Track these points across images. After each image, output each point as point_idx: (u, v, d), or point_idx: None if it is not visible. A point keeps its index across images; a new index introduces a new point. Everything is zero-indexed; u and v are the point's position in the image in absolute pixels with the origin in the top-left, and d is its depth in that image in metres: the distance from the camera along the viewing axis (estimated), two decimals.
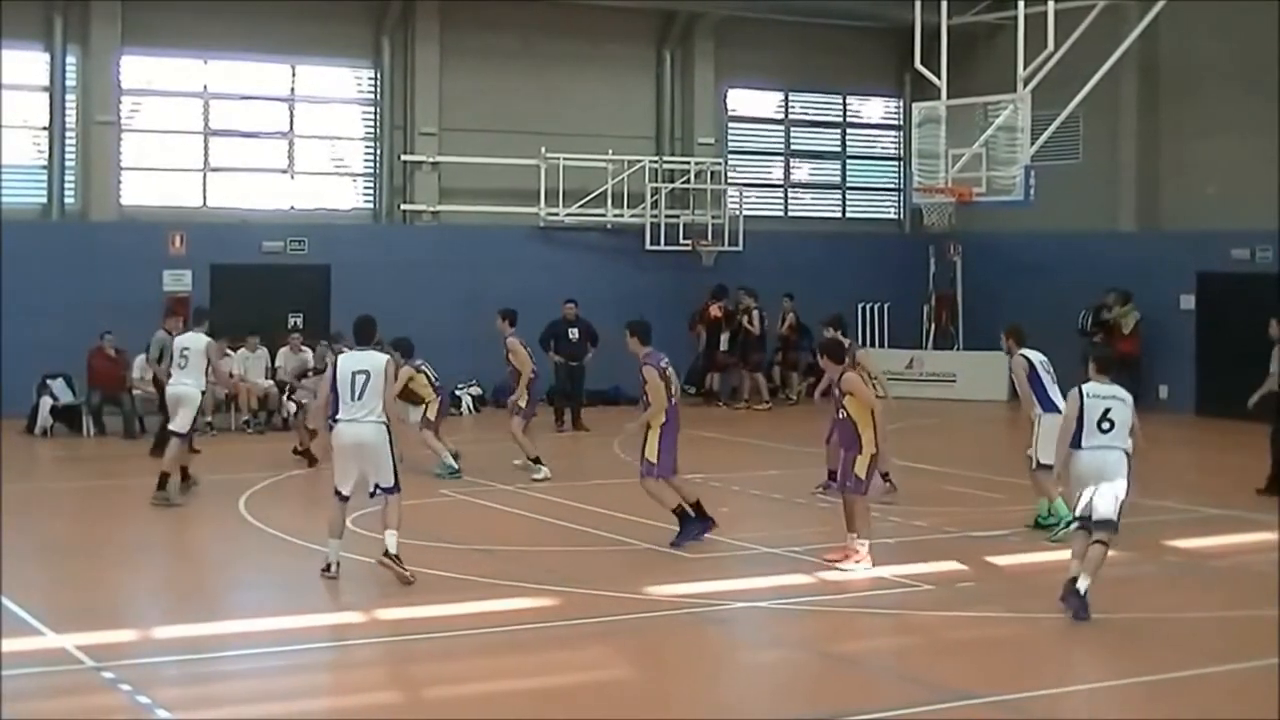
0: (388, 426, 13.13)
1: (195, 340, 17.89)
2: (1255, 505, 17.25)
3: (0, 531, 14.47)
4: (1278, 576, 13.59)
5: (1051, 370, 15.77)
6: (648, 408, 14.68)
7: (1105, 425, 12.26)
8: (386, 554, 12.99)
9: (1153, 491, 18.19)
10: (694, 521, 14.71)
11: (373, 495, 13.23)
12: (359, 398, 13.05)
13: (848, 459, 13.91)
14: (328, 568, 13.20)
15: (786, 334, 28.43)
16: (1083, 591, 12.01)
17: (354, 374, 13.13)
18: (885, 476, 16.25)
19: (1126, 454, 12.31)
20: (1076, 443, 12.29)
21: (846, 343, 16.64)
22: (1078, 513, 12.50)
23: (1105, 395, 12.39)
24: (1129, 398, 12.49)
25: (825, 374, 15.27)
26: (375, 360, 13.23)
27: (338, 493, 13.26)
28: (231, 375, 23.83)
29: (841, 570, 13.67)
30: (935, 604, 12.84)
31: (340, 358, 13.57)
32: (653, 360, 14.82)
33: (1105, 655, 11.33)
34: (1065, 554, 14.61)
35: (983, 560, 14.50)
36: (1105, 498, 12.27)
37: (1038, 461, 15.30)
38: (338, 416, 13.24)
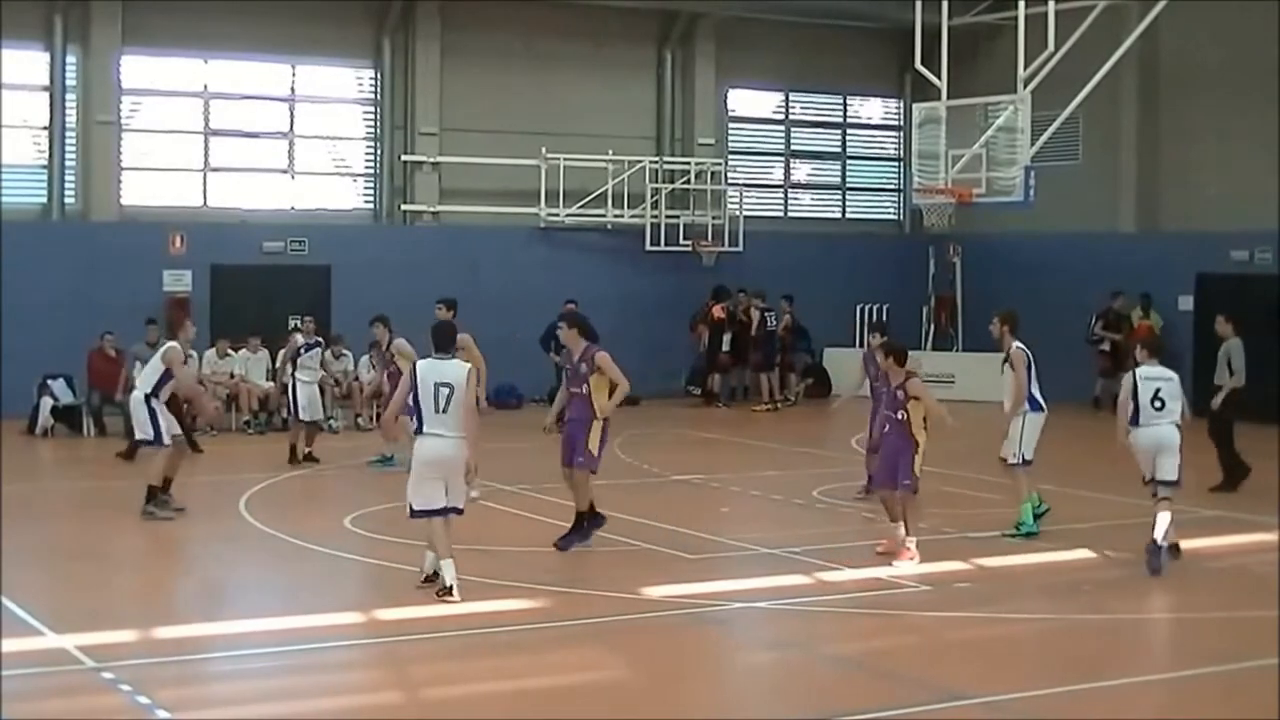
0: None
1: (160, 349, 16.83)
2: (1253, 507, 17.24)
3: (0, 532, 14.48)
4: (1277, 577, 13.61)
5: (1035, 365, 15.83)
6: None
7: (1157, 404, 14.14)
8: (448, 590, 12.37)
9: (1150, 492, 18.25)
10: (586, 528, 14.68)
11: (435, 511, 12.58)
12: (443, 411, 12.41)
13: (905, 460, 14.28)
14: (435, 580, 12.63)
15: (783, 335, 28.44)
16: (1161, 544, 13.75)
17: (437, 385, 12.44)
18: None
19: (1178, 426, 14.28)
20: (1135, 420, 14.12)
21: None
22: (1145, 478, 14.32)
23: (1155, 377, 14.24)
24: (1175, 377, 14.36)
25: (866, 374, 16.52)
26: (458, 371, 12.56)
27: (428, 511, 12.55)
28: (232, 376, 23.90)
29: (893, 567, 13.92)
30: (933, 604, 12.85)
31: (420, 365, 12.71)
32: (601, 347, 14.77)
33: (1104, 655, 11.34)
34: (1061, 555, 14.71)
35: (981, 561, 14.51)
36: (1166, 465, 14.17)
37: (1024, 458, 15.56)
38: (423, 429, 12.47)
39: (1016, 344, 15.88)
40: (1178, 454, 14.22)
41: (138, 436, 16.73)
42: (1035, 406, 15.70)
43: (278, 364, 23.85)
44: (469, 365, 12.79)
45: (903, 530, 14.30)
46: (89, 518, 17.15)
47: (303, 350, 20.88)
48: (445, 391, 12.43)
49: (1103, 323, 26.53)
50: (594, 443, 14.48)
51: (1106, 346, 26.29)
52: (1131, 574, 14.31)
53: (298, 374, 20.67)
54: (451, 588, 12.41)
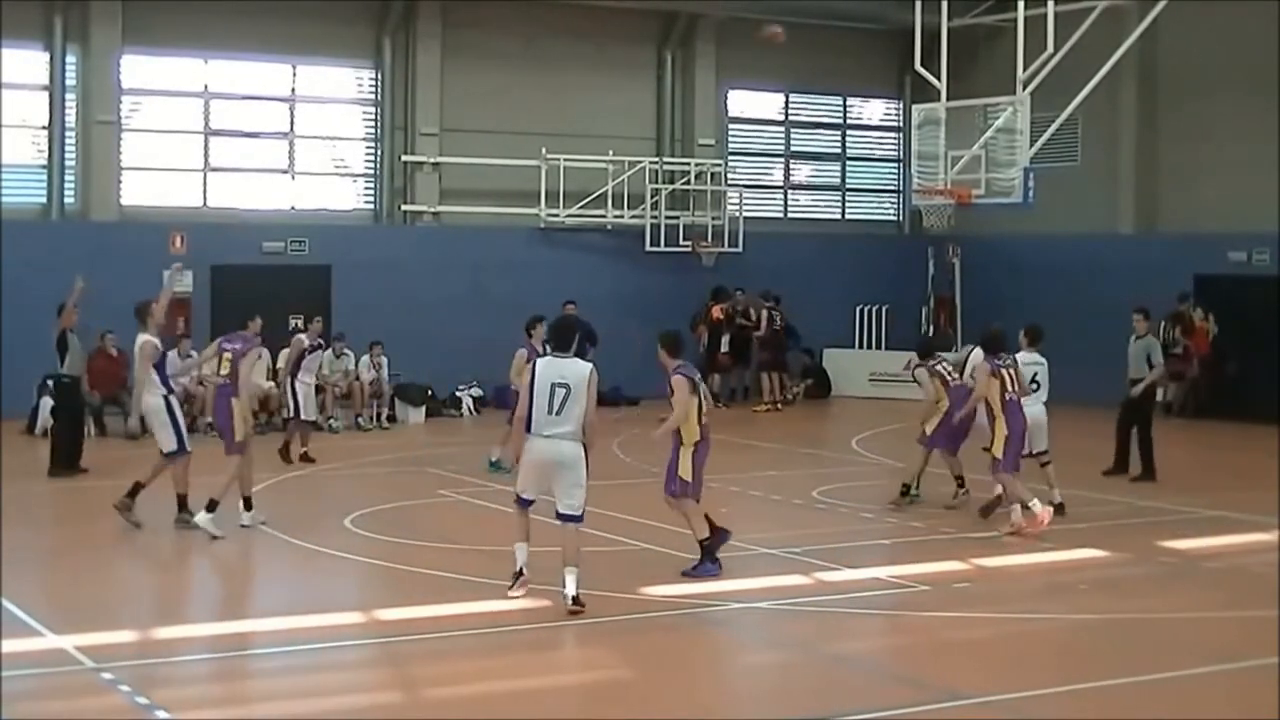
0: (585, 446, 12.30)
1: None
2: (1253, 506, 17.25)
3: (0, 532, 14.49)
4: (1277, 577, 13.63)
5: None
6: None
7: (1034, 386, 16.59)
8: (574, 601, 12.00)
9: (1149, 493, 18.31)
10: (710, 548, 13.74)
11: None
12: (557, 412, 12.09)
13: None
14: (519, 572, 12.45)
15: (775, 336, 28.56)
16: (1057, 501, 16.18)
17: (554, 385, 12.10)
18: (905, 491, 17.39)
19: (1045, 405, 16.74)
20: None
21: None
22: (1026, 451, 16.19)
23: (1033, 362, 16.84)
24: (1045, 363, 16.95)
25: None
26: (578, 371, 12.21)
27: (520, 499, 12.51)
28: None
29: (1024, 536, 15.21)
30: (933, 604, 12.86)
31: (540, 364, 12.41)
32: (684, 371, 13.86)
33: (1103, 655, 11.35)
34: (1061, 555, 14.73)
35: (980, 561, 14.53)
36: (1040, 438, 16.83)
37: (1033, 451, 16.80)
38: (532, 429, 12.18)
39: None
40: (1045, 429, 16.77)
41: (164, 450, 15.97)
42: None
43: (279, 364, 23.85)
44: (590, 366, 12.34)
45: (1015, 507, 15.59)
46: (89, 518, 17.15)
47: (307, 352, 20.83)
48: (562, 392, 12.10)
49: (1180, 328, 26.47)
50: (685, 469, 13.63)
51: (1180, 350, 26.30)
52: (1129, 574, 14.35)
53: (301, 375, 20.63)
54: (575, 597, 12.05)
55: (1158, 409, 25.35)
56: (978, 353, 16.66)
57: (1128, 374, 19.44)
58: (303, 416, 20.53)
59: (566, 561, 12.16)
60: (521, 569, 12.47)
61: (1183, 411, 26.02)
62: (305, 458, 20.35)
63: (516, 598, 12.36)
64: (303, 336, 20.95)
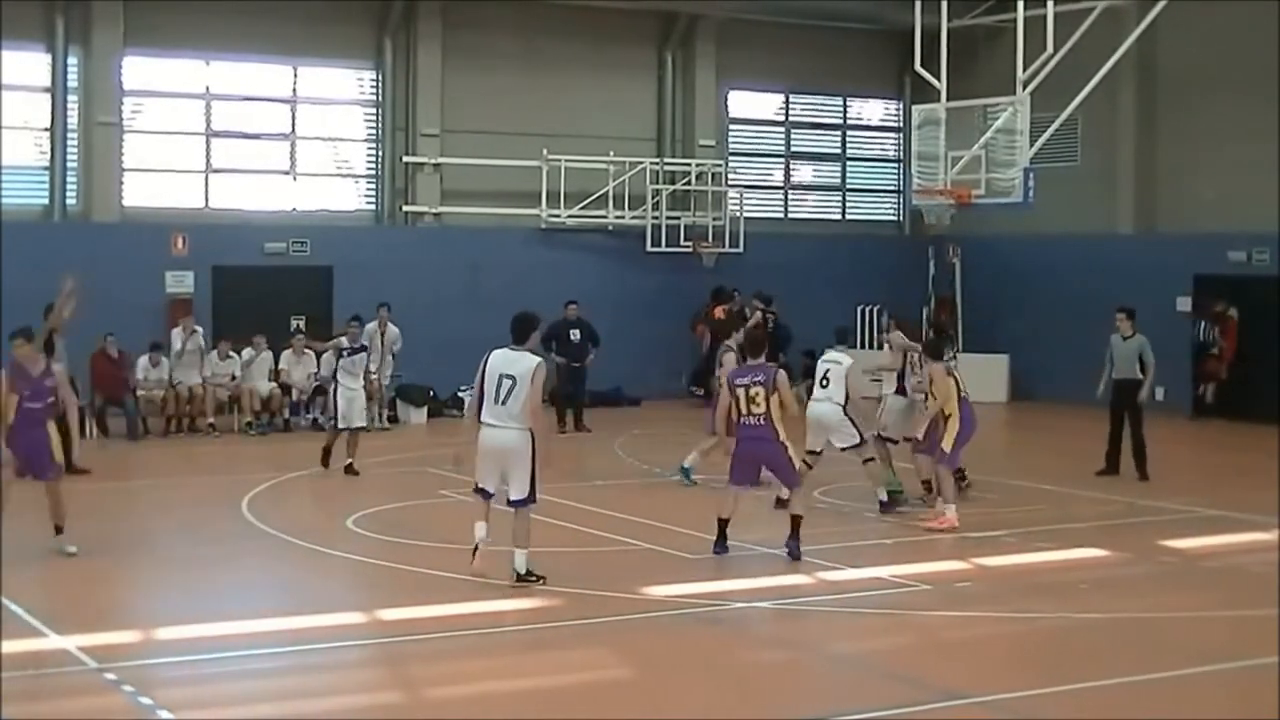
0: (533, 434, 12.75)
1: None
2: (1253, 506, 17.28)
3: (0, 532, 14.50)
4: (1277, 577, 13.65)
5: None
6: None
7: (824, 383, 16.69)
8: (518, 577, 12.82)
9: (1149, 492, 18.32)
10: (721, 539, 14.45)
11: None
12: (503, 402, 12.66)
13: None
14: (477, 547, 13.00)
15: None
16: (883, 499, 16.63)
17: (501, 377, 12.70)
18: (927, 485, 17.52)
19: (835, 403, 16.55)
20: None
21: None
22: (813, 449, 16.67)
23: (832, 360, 16.85)
24: (846, 362, 16.66)
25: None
26: (525, 363, 12.71)
27: (478, 489, 13.01)
28: (234, 379, 23.87)
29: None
30: (933, 604, 12.89)
31: (493, 356, 12.91)
32: (731, 376, 14.53)
33: (1103, 655, 11.37)
34: (1061, 554, 14.76)
35: (981, 560, 14.56)
36: (837, 435, 16.74)
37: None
38: (482, 419, 12.82)
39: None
40: (843, 426, 16.53)
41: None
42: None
43: (322, 369, 23.70)
44: (538, 359, 12.82)
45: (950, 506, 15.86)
46: (91, 519, 17.16)
47: (346, 353, 19.68)
48: (508, 383, 12.66)
49: (1219, 328, 26.44)
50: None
51: (1217, 350, 26.30)
52: (1129, 574, 14.38)
53: (340, 379, 19.48)
54: (522, 574, 12.81)
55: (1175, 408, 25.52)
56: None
57: (1111, 374, 19.51)
58: (345, 425, 19.28)
59: (516, 542, 12.85)
60: (478, 545, 12.98)
61: (1209, 411, 26.09)
62: (350, 470, 19.20)
63: (476, 569, 12.88)
64: (343, 339, 19.92)
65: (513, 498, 12.87)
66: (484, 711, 10.02)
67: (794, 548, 14.14)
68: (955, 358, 16.98)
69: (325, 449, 19.51)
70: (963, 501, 16.72)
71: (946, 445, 15.95)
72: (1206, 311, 26.42)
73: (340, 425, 19.31)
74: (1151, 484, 18.76)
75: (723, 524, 14.37)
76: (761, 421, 14.04)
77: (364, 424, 19.75)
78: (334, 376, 19.64)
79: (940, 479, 16.06)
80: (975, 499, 17.32)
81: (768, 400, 13.98)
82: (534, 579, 12.90)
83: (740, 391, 14.09)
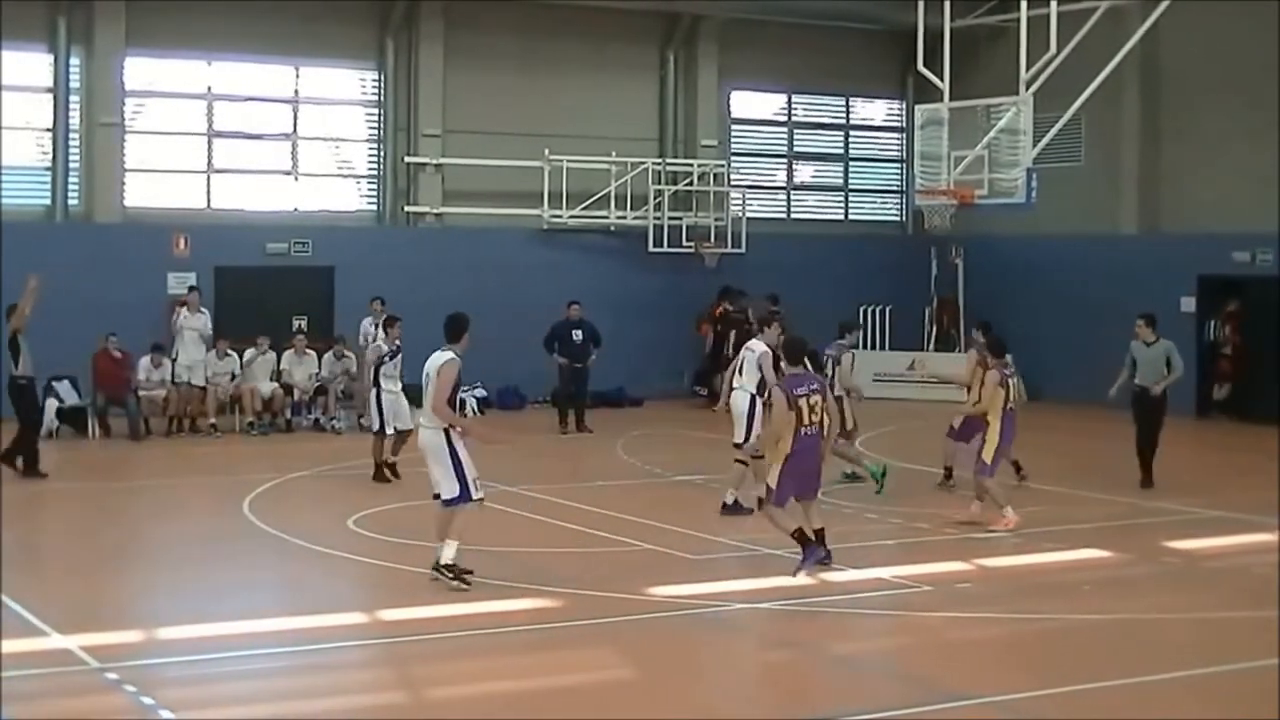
0: (447, 433, 12.77)
1: None
2: (1256, 507, 17.27)
3: (0, 532, 14.51)
4: (1277, 577, 13.64)
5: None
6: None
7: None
8: (436, 565, 12.83)
9: (1152, 493, 18.30)
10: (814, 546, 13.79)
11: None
12: (425, 400, 12.86)
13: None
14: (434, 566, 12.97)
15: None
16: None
17: (425, 376, 12.90)
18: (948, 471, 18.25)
19: (749, 394, 16.55)
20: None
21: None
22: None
23: (753, 349, 16.75)
24: (759, 350, 16.57)
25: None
26: (437, 360, 12.85)
27: (435, 495, 13.06)
28: (233, 378, 23.88)
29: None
30: (935, 604, 12.88)
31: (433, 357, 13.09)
32: (788, 385, 13.80)
33: (1105, 655, 11.36)
34: (1063, 555, 14.75)
35: (982, 561, 14.55)
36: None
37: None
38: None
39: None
40: (740, 419, 16.51)
41: None
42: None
43: (283, 371, 23.83)
44: (449, 356, 12.83)
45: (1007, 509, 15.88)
46: (93, 518, 17.20)
47: (386, 358, 18.87)
48: (426, 381, 12.81)
49: (1230, 326, 26.36)
50: (773, 476, 13.92)
51: (1229, 350, 26.26)
52: (1131, 574, 14.36)
53: (382, 383, 18.66)
54: (443, 566, 12.75)
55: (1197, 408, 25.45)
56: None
57: (1134, 381, 18.90)
58: (389, 431, 18.63)
59: (440, 535, 12.82)
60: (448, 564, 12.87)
61: (1216, 411, 26.08)
62: (391, 469, 18.77)
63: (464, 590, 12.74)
64: (381, 343, 19.27)
65: (444, 497, 12.83)
66: (485, 712, 10.02)
67: (820, 555, 13.85)
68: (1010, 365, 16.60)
69: (378, 463, 18.74)
70: (956, 501, 16.74)
71: (987, 456, 16.01)
72: (1220, 312, 26.41)
73: (388, 430, 18.63)
74: (1155, 485, 18.71)
75: (804, 534, 13.76)
76: (815, 431, 13.74)
77: (409, 426, 18.58)
78: (375, 381, 18.79)
79: (986, 487, 16.04)
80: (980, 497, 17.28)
81: (822, 409, 13.79)
82: (452, 574, 12.74)
83: (802, 402, 13.67)
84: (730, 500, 16.59)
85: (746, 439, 16.56)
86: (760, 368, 16.52)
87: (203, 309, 24.13)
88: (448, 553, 12.82)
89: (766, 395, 15.99)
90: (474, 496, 12.82)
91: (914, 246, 31.03)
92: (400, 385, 18.84)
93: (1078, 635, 11.98)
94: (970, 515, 16.12)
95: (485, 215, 27.90)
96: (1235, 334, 26.34)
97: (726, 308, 28.09)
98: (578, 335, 24.56)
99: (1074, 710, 10.08)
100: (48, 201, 25.24)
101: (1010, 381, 16.28)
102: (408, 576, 13.60)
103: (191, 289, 24.53)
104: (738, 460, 16.66)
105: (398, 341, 18.92)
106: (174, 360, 23.55)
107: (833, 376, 18.38)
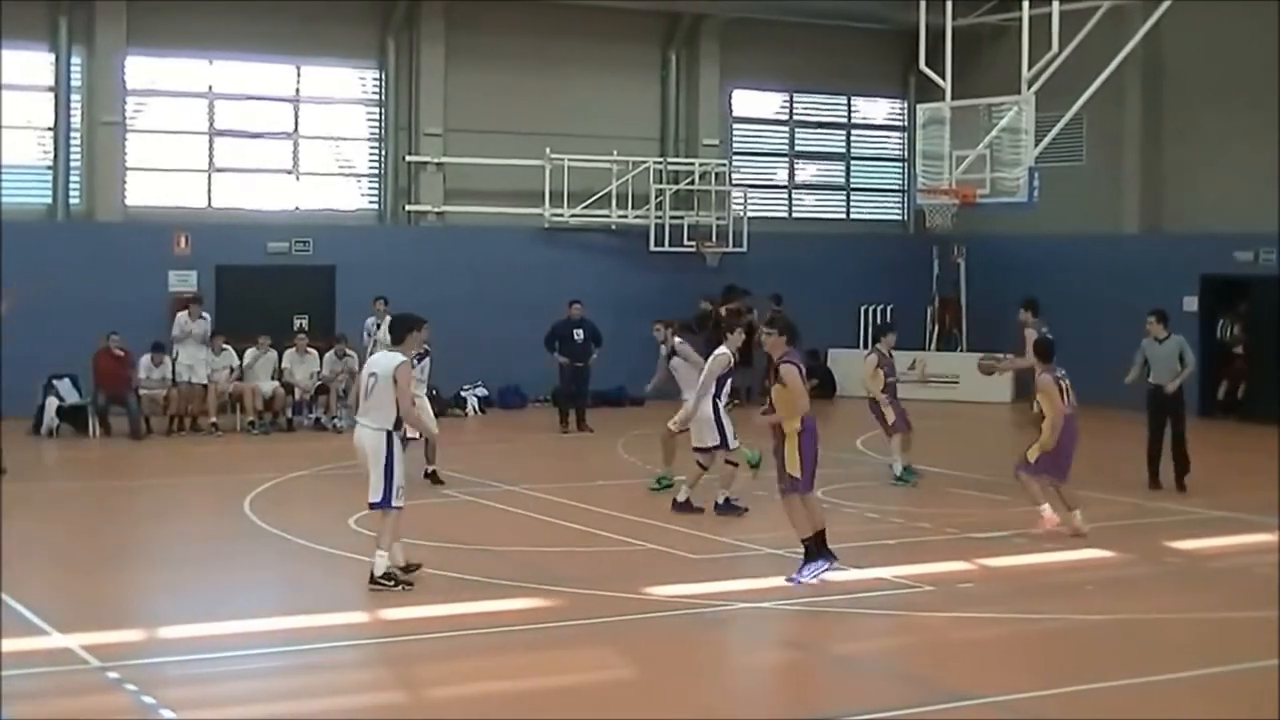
0: (389, 436, 12.75)
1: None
2: (1258, 507, 17.24)
3: (0, 531, 14.49)
4: (1278, 577, 13.61)
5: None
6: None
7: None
8: (371, 579, 12.72)
9: (1155, 493, 18.28)
10: (820, 554, 13.40)
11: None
12: (365, 400, 12.87)
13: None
14: (408, 569, 12.97)
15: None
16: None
17: (368, 375, 12.94)
18: None
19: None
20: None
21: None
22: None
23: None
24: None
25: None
26: (388, 362, 12.83)
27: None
28: (232, 372, 23.84)
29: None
30: (937, 605, 12.86)
31: (371, 357, 13.25)
32: (793, 358, 13.44)
33: (1106, 656, 11.34)
34: (1065, 555, 14.73)
35: (984, 561, 14.52)
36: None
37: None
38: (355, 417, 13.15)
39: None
40: (713, 424, 16.61)
41: None
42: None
43: (284, 370, 23.79)
44: (401, 359, 12.76)
45: (1044, 507, 15.63)
46: (94, 517, 17.19)
47: (415, 361, 19.14)
48: (370, 381, 12.79)
49: (1241, 326, 26.32)
50: (792, 463, 13.40)
51: (1241, 349, 26.26)
52: (1132, 574, 14.34)
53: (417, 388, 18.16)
54: (377, 576, 12.67)
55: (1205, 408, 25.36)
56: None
57: (1148, 378, 18.68)
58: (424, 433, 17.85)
59: (377, 543, 12.75)
60: (406, 564, 12.87)
61: (1223, 411, 26.07)
62: (433, 477, 18.47)
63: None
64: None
65: (370, 498, 12.82)
66: (486, 711, 10.00)
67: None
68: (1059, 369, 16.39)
69: (430, 471, 18.48)
70: (960, 502, 16.73)
71: (1031, 455, 15.66)
72: (1232, 311, 26.39)
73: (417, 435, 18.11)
74: (1160, 485, 18.64)
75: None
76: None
77: (436, 431, 18.42)
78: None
79: (1025, 484, 15.73)
80: (976, 499, 17.27)
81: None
82: (393, 584, 12.69)
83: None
84: (722, 499, 16.60)
85: (724, 442, 16.53)
86: (708, 371, 16.43)
87: (204, 314, 24.04)
88: (381, 563, 12.74)
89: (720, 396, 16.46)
90: (394, 504, 12.74)
91: (916, 246, 31.01)
92: (424, 389, 18.82)
93: (1080, 635, 11.96)
94: (1075, 528, 15.44)
95: (486, 214, 27.89)
96: (1244, 334, 26.33)
97: (712, 307, 28.08)
98: (579, 334, 24.54)
99: (1076, 710, 10.06)
100: (49, 200, 25.24)
101: (1064, 384, 15.80)
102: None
103: (191, 296, 24.48)
104: (727, 460, 16.65)
105: (426, 345, 18.18)
106: (174, 359, 23.53)
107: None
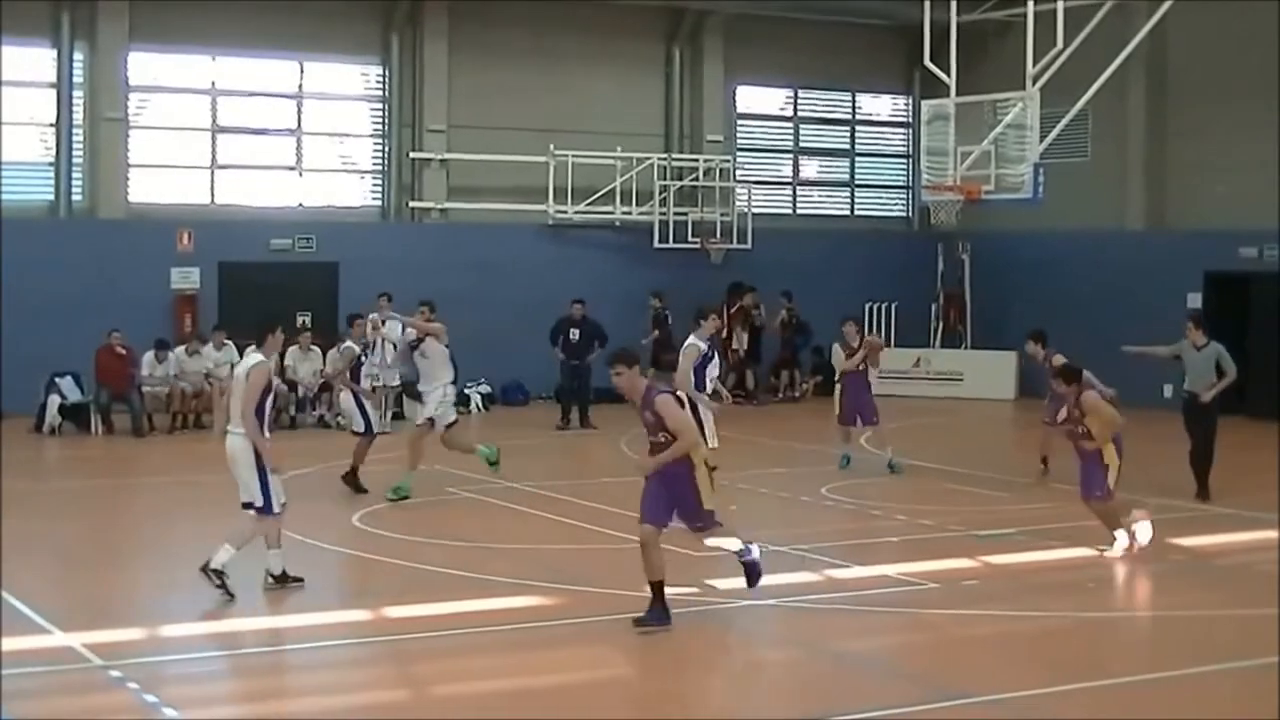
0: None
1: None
2: (1262, 505, 17.20)
3: (1, 529, 14.48)
4: (1278, 576, 13.58)
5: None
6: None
7: None
8: (274, 579, 12.56)
9: (1159, 490, 18.23)
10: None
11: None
12: (235, 402, 12.67)
13: (1093, 473, 14.64)
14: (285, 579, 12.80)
15: (784, 332, 28.68)
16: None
17: (234, 378, 12.80)
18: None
19: None
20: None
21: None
22: None
23: None
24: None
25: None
26: (244, 365, 12.69)
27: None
28: (232, 367, 23.80)
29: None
30: (941, 602, 12.84)
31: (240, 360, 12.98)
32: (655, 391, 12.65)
33: (1107, 654, 11.32)
34: (1068, 553, 14.68)
35: (988, 559, 14.49)
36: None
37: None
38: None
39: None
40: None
41: None
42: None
43: (286, 369, 23.75)
44: (256, 360, 12.59)
45: (1120, 533, 14.52)
46: (96, 516, 17.18)
47: (363, 357, 19.05)
48: (238, 386, 12.64)
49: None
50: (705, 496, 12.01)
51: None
52: (1134, 572, 14.30)
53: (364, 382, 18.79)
54: (278, 576, 12.61)
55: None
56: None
57: (1183, 386, 18.23)
58: (438, 423, 17.93)
59: (267, 543, 12.58)
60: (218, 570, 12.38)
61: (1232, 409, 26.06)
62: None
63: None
64: (352, 344, 19.19)
65: (254, 505, 12.61)
66: (489, 709, 9.98)
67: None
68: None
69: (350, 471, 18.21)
70: (962, 500, 16.70)
71: (1111, 480, 14.60)
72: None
73: (423, 420, 18.27)
74: (1161, 482, 18.61)
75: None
76: None
77: (455, 418, 18.28)
78: (355, 380, 18.71)
79: (1109, 510, 14.68)
80: (980, 496, 17.24)
81: None
82: (292, 580, 12.63)
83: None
84: None
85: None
86: (680, 369, 16.19)
87: (227, 340, 23.57)
88: (276, 561, 12.64)
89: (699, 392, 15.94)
90: (274, 510, 12.61)
91: (920, 242, 30.97)
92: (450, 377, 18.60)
93: (1083, 633, 11.94)
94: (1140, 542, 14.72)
95: (490, 211, 27.87)
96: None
97: (743, 304, 28.16)
98: (575, 334, 24.56)
99: (1080, 708, 10.04)
100: (51, 197, 25.23)
101: (1107, 395, 15.32)
102: (413, 573, 13.58)
103: (190, 298, 24.48)
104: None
105: (446, 344, 18.51)
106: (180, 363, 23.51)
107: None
